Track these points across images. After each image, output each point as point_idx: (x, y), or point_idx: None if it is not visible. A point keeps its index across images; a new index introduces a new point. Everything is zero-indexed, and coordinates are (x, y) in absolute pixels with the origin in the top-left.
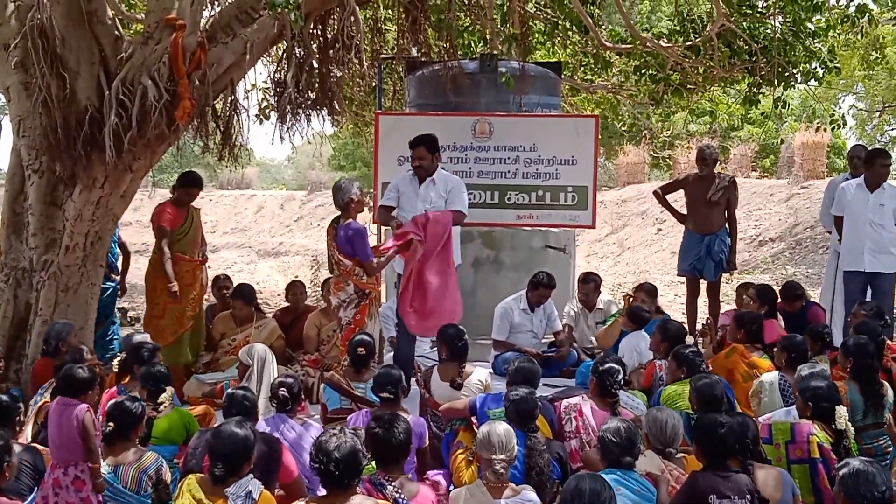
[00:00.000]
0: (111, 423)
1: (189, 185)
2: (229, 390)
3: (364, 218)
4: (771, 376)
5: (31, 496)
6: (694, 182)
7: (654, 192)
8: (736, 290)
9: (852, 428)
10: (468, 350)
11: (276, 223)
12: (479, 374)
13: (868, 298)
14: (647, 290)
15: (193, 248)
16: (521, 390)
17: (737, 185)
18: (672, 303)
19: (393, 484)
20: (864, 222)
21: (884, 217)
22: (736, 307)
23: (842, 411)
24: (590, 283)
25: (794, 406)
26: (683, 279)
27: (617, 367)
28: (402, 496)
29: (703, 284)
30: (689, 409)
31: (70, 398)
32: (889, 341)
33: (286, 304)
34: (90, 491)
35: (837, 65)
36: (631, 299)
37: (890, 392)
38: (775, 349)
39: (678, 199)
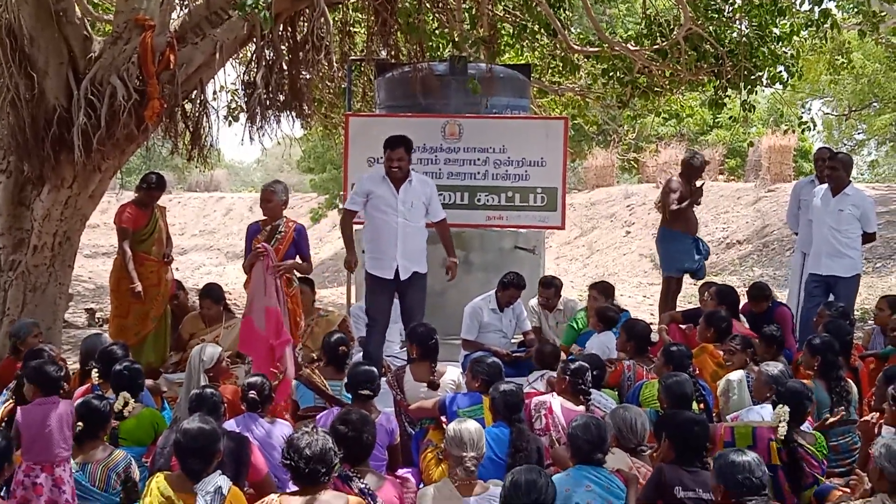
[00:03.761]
0: (80, 423)
1: (150, 187)
2: (195, 390)
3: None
4: (738, 374)
5: None
6: (687, 187)
7: (679, 207)
8: (699, 290)
9: (785, 429)
10: (439, 349)
11: (244, 225)
12: (451, 374)
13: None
14: (603, 290)
15: (158, 249)
16: (508, 384)
17: None
18: (640, 304)
19: (359, 477)
20: (824, 226)
21: (841, 222)
22: (700, 306)
23: (780, 410)
24: (551, 288)
25: (761, 405)
26: (649, 280)
27: (587, 365)
28: (368, 486)
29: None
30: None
31: (49, 397)
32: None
33: None
34: (72, 491)
35: (800, 69)
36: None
37: (854, 389)
38: (728, 351)
39: (644, 202)
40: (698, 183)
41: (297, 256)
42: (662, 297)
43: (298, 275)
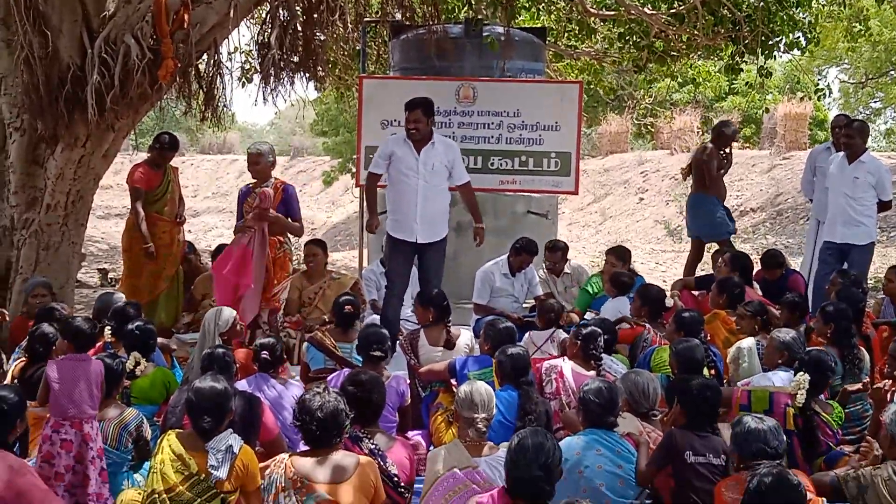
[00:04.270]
0: None
1: (163, 147)
2: (207, 350)
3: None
4: (748, 342)
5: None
6: (719, 157)
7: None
8: (712, 257)
9: (804, 397)
10: (451, 310)
11: None
12: (465, 338)
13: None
14: (620, 256)
15: (171, 209)
16: (515, 347)
17: None
18: (653, 270)
19: (369, 437)
20: (840, 194)
21: (856, 190)
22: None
23: (800, 378)
24: (557, 251)
25: (773, 371)
26: (662, 247)
27: (599, 330)
28: (378, 447)
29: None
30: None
31: (81, 353)
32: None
33: None
34: (99, 450)
35: (818, 35)
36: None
37: (867, 357)
38: (739, 317)
39: (658, 169)
40: (727, 150)
41: (288, 217)
42: (690, 264)
43: (291, 237)
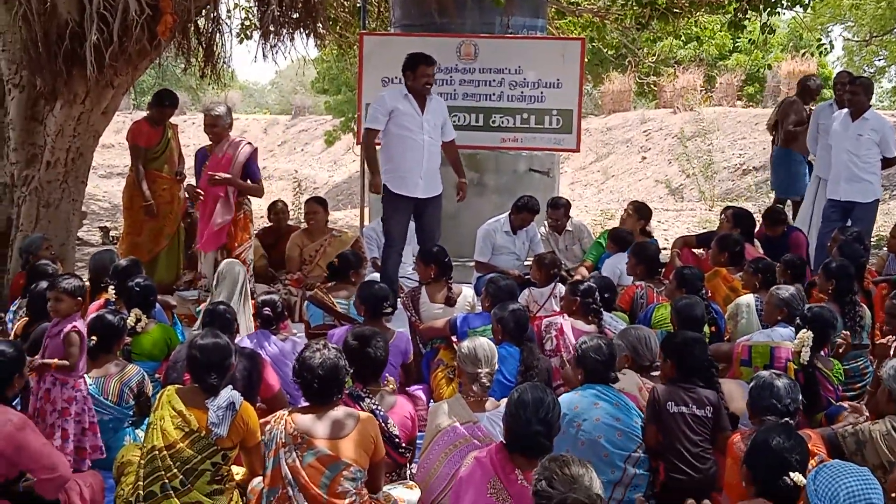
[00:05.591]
0: (94, 337)
1: (162, 103)
2: (208, 306)
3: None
4: (747, 298)
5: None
6: (803, 111)
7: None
8: (720, 214)
9: (808, 354)
10: (452, 267)
11: (259, 147)
12: (466, 295)
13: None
14: (638, 209)
15: (170, 167)
16: (515, 304)
17: None
18: (654, 229)
19: (370, 396)
20: (843, 151)
21: (860, 147)
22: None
23: (803, 335)
24: (560, 208)
25: (771, 328)
26: (664, 206)
27: (595, 285)
28: (380, 407)
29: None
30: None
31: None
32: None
33: (269, 224)
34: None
35: None
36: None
37: (868, 314)
38: (743, 273)
39: (661, 128)
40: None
41: (248, 179)
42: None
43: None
